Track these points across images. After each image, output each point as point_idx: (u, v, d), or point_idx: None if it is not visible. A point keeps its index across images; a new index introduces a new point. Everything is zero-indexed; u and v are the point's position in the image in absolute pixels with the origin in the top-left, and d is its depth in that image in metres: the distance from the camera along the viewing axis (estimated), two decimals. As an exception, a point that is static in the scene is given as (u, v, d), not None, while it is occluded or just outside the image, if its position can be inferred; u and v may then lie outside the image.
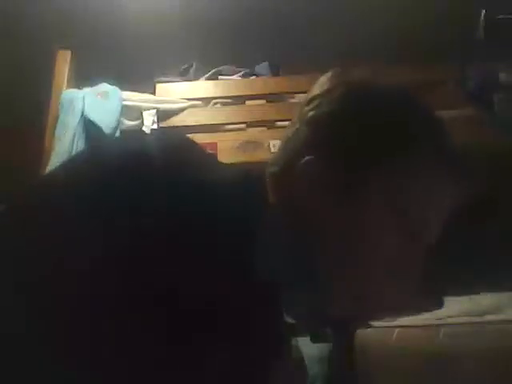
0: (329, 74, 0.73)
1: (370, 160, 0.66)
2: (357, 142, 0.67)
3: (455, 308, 1.66)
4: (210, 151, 1.92)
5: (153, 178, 0.63)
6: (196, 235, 0.61)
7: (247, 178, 0.70)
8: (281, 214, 0.67)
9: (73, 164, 0.71)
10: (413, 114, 0.70)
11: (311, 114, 0.70)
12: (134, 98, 2.13)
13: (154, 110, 2.11)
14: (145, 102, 2.13)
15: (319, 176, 0.66)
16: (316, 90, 0.72)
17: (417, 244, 0.68)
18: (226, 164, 0.76)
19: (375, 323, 1.58)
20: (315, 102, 0.70)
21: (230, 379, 0.64)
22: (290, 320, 0.71)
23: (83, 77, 2.17)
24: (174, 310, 0.59)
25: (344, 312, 0.70)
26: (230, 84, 2.28)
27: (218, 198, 0.64)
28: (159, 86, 2.24)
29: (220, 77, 2.32)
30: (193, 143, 0.77)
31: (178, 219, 0.61)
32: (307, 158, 0.67)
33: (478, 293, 1.74)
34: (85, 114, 1.98)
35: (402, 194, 0.66)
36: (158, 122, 2.09)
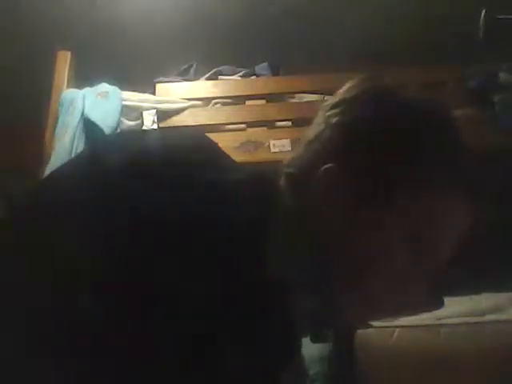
0: (356, 80, 0.73)
1: (389, 170, 0.66)
2: (378, 150, 0.66)
3: (455, 308, 1.66)
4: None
5: (165, 177, 0.62)
6: (208, 235, 0.60)
7: (261, 178, 0.70)
8: (294, 216, 0.67)
9: (79, 163, 0.71)
10: (437, 127, 0.69)
11: (337, 119, 0.69)
12: (133, 98, 2.13)
13: (154, 110, 2.11)
14: (145, 102, 2.13)
15: (337, 185, 0.66)
16: (343, 94, 0.71)
17: (424, 258, 0.68)
18: (240, 165, 0.75)
19: (375, 323, 1.58)
20: (341, 107, 0.70)
21: (233, 379, 0.64)
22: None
23: (83, 77, 2.17)
24: (177, 310, 0.59)
25: (344, 312, 0.70)
26: (230, 84, 2.28)
27: (231, 199, 0.64)
28: (159, 86, 2.24)
29: (220, 77, 2.32)
30: (209, 142, 0.75)
31: (190, 218, 0.60)
32: (328, 165, 0.66)
33: (478, 293, 1.74)
34: (85, 114, 1.98)
35: (417, 207, 0.66)
36: (157, 122, 2.09)
